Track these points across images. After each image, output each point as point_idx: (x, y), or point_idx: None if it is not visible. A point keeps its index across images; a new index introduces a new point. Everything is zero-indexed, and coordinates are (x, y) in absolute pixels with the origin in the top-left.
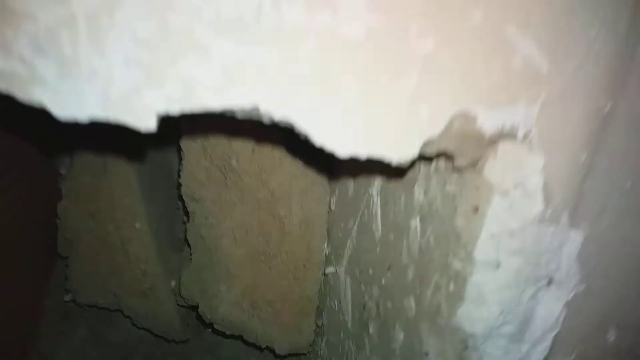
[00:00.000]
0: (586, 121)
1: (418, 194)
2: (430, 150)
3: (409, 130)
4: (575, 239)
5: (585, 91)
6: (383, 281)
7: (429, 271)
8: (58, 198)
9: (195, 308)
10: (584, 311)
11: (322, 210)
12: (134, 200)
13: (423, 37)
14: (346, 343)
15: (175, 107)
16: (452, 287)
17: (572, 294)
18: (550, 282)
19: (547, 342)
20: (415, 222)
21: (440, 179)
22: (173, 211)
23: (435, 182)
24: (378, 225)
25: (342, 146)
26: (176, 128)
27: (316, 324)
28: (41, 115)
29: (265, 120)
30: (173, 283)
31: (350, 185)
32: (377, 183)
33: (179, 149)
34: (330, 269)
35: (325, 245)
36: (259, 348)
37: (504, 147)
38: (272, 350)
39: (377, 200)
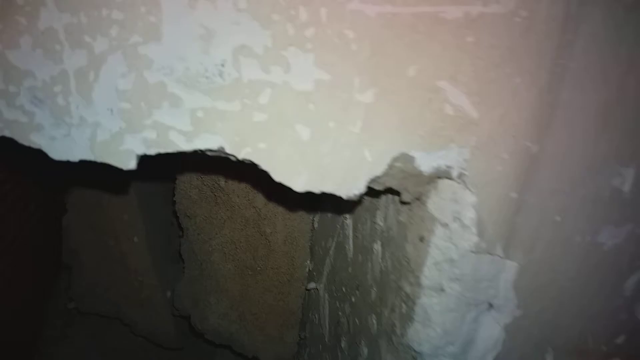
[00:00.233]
0: (514, 162)
1: (380, 220)
2: (377, 187)
3: (356, 169)
4: (510, 267)
5: (512, 135)
6: (353, 299)
7: (387, 292)
8: (64, 212)
9: (188, 318)
10: (521, 334)
11: (305, 228)
12: (132, 216)
13: (364, 89)
14: (324, 355)
15: (152, 150)
16: (404, 308)
17: (510, 318)
18: (490, 306)
19: None
20: (378, 246)
21: (395, 208)
22: (169, 227)
23: (392, 210)
24: (350, 246)
25: (298, 183)
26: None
27: (300, 336)
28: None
29: (232, 159)
30: (169, 294)
31: (329, 206)
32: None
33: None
34: (311, 285)
35: (309, 262)
36: (247, 358)
37: (442, 183)
38: None
39: (349, 222)
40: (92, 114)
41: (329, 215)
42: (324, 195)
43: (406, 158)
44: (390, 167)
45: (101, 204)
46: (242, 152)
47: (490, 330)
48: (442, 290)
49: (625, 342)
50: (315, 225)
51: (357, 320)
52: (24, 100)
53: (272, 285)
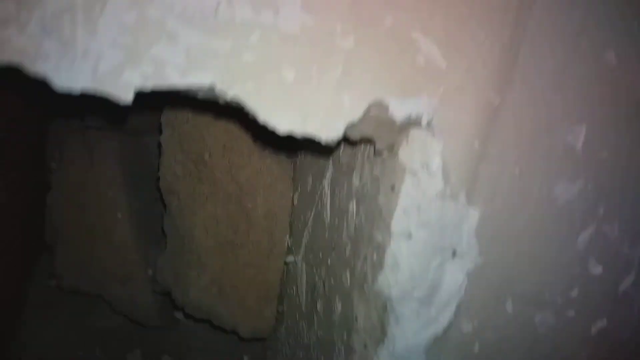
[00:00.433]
0: (478, 113)
1: (355, 179)
2: (354, 134)
3: (335, 114)
4: (473, 215)
5: (477, 87)
6: (329, 261)
7: (360, 245)
8: (47, 189)
9: (169, 295)
10: (483, 282)
11: (286, 203)
12: (117, 192)
13: (346, 35)
14: (300, 323)
15: (149, 84)
16: (375, 257)
17: (472, 265)
18: (454, 253)
19: (452, 308)
20: (353, 205)
21: (370, 164)
22: (153, 204)
23: (367, 168)
24: (327, 213)
25: (281, 124)
26: (158, 125)
27: (277, 311)
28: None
29: (220, 101)
30: (150, 272)
31: (309, 180)
32: (328, 174)
33: (159, 145)
34: (290, 258)
35: (288, 237)
36: (225, 331)
37: (413, 133)
38: (236, 333)
39: (327, 190)
40: (96, 46)
41: (308, 189)
42: (309, 166)
43: (381, 105)
44: (366, 113)
45: (86, 181)
46: (231, 92)
47: (455, 277)
48: (410, 236)
49: (579, 296)
50: (295, 202)
51: (332, 280)
52: (34, 28)
53: (251, 260)
